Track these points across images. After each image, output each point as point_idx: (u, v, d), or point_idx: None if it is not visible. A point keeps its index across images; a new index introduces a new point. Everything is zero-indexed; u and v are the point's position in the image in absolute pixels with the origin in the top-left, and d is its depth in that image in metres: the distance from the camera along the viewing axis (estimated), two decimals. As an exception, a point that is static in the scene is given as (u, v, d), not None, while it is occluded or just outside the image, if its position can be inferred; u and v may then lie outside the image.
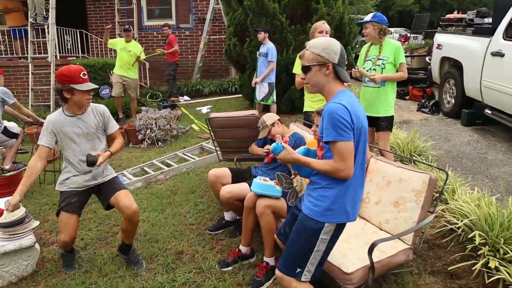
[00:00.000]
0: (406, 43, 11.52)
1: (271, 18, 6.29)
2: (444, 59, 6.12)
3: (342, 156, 1.70)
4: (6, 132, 4.46)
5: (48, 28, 7.47)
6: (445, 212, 2.94)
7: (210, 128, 3.85)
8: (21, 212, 2.76)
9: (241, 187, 2.95)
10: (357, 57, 3.72)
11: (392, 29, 23.85)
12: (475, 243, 2.39)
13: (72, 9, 10.05)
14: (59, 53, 8.65)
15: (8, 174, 4.28)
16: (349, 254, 2.22)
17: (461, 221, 2.61)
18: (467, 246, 2.50)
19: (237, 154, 3.77)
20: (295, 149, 2.93)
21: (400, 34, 14.12)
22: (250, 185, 2.93)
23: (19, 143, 4.66)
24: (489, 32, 4.91)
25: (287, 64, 6.50)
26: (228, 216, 3.27)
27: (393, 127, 3.73)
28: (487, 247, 2.34)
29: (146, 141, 5.63)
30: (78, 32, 9.17)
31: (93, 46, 9.74)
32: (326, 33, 3.42)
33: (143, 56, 6.81)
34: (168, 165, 4.78)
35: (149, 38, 9.89)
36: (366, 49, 3.42)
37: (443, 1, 29.43)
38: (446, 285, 2.40)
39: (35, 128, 5.40)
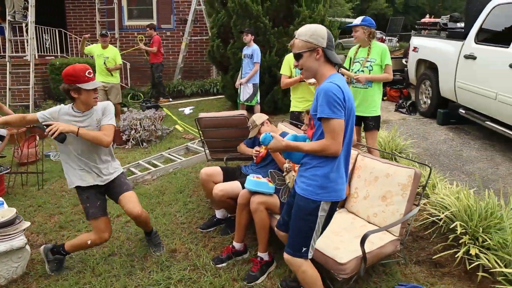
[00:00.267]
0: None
1: (254, 20, 6.39)
2: (420, 61, 6.39)
3: (334, 133, 1.80)
4: None
5: (26, 26, 7.29)
6: (426, 205, 3.11)
7: (199, 128, 3.90)
8: (11, 213, 2.73)
9: (233, 185, 3.02)
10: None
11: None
12: (456, 233, 2.55)
13: (50, 8, 9.83)
14: (38, 52, 8.45)
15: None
16: (341, 246, 2.33)
17: (443, 213, 2.77)
18: (448, 236, 2.66)
19: (225, 154, 3.84)
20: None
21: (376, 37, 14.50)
22: (241, 183, 3.01)
23: (4, 145, 4.55)
24: (462, 36, 5.17)
25: (270, 66, 6.62)
26: (219, 214, 3.33)
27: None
28: (467, 236, 2.51)
29: (131, 142, 5.61)
30: (57, 31, 8.98)
31: (72, 46, 9.56)
32: None
33: (119, 61, 6.64)
34: (155, 166, 4.78)
35: (129, 38, 9.79)
36: (354, 51, 3.55)
37: (415, 5, 30.37)
38: (431, 273, 2.55)
39: (15, 129, 5.29)
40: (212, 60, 7.64)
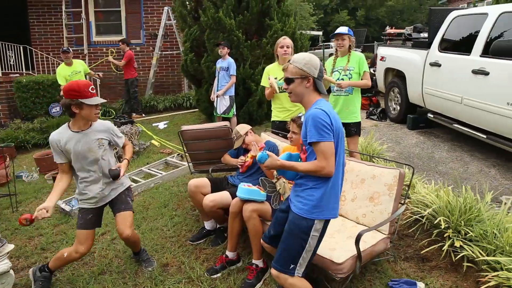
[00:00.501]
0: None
1: (228, 33, 6.49)
2: (387, 70, 6.70)
3: (325, 155, 1.89)
4: None
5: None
6: (408, 205, 3.25)
7: (182, 141, 3.90)
8: (-7, 236, 2.62)
9: (223, 196, 3.04)
10: None
11: (332, 43, 25.36)
12: (440, 228, 2.70)
13: (14, 24, 9.50)
14: (1, 69, 8.13)
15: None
16: (337, 247, 2.40)
17: (425, 210, 2.91)
18: (432, 232, 2.80)
19: (208, 166, 3.85)
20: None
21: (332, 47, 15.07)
22: (230, 193, 3.04)
23: None
24: (426, 45, 5.50)
25: (244, 78, 6.72)
26: (208, 225, 3.33)
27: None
28: (450, 230, 2.65)
29: (108, 159, 5.49)
30: (21, 48, 8.69)
31: (38, 63, 9.27)
32: (287, 47, 3.63)
33: (88, 70, 6.58)
34: (135, 181, 4.70)
35: (98, 54, 9.62)
36: (332, 61, 3.70)
37: (375, 18, 31.88)
38: (420, 268, 2.67)
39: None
40: (185, 74, 7.65)
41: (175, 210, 3.90)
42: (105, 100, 2.72)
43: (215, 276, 2.76)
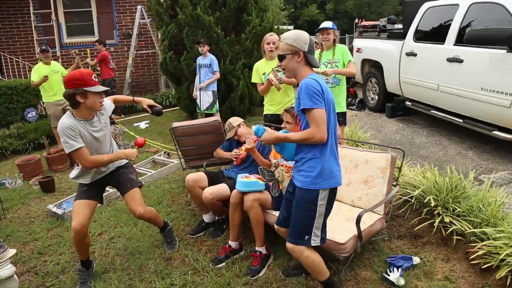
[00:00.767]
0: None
1: (207, 30, 6.51)
2: (364, 61, 6.92)
3: (317, 122, 1.98)
4: None
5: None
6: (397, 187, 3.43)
7: (173, 138, 3.93)
8: (-8, 241, 2.59)
9: (221, 188, 3.11)
10: None
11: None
12: (430, 206, 2.88)
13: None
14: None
15: None
16: (336, 229, 2.53)
17: (414, 191, 3.09)
18: (422, 211, 2.99)
19: (200, 161, 3.90)
20: (262, 149, 3.23)
21: (315, 42, 15.28)
22: (228, 185, 3.12)
23: None
24: (401, 36, 5.74)
25: (225, 74, 6.76)
26: (207, 218, 3.39)
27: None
28: (439, 207, 2.84)
29: (93, 161, 5.42)
30: (-12, 52, 8.38)
31: (7, 67, 8.94)
32: (274, 43, 3.72)
33: (65, 72, 6.41)
34: (125, 181, 4.68)
35: (70, 56, 9.36)
36: (318, 55, 3.82)
37: (344, 11, 32.46)
38: (413, 245, 2.84)
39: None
40: (164, 73, 7.61)
41: (170, 206, 3.94)
42: (108, 88, 2.73)
43: (220, 265, 2.83)
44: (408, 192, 3.19)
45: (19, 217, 4.01)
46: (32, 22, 8.53)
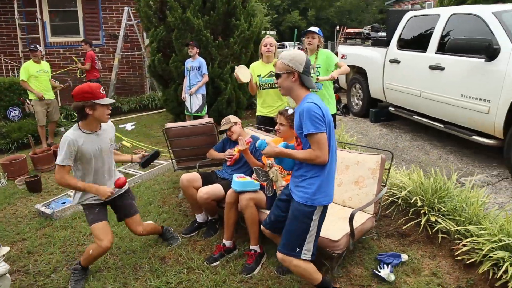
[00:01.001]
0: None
1: (196, 33, 6.57)
2: (349, 67, 7.10)
3: (320, 145, 2.08)
4: None
5: None
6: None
7: (166, 138, 3.96)
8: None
9: (216, 188, 3.17)
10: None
11: (287, 43, 25.97)
12: (416, 206, 3.02)
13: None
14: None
15: None
16: (330, 227, 2.62)
17: (401, 192, 3.23)
18: (408, 211, 3.12)
19: (192, 162, 3.95)
20: (255, 151, 3.31)
21: (298, 47, 15.54)
22: (222, 185, 3.19)
23: None
24: (385, 43, 5.94)
25: (212, 77, 6.82)
26: (200, 218, 3.43)
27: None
28: (425, 207, 2.98)
29: (80, 161, 5.37)
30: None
31: (-9, 66, 8.74)
32: (271, 45, 3.84)
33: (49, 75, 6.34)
34: (114, 182, 4.67)
35: (55, 56, 9.24)
36: None
37: (326, 18, 33.09)
38: (401, 243, 2.98)
39: None
40: (152, 75, 7.60)
41: (161, 207, 3.96)
42: (115, 101, 2.80)
43: (214, 264, 2.89)
44: (395, 193, 3.33)
45: (5, 217, 3.95)
46: (16, 20, 8.36)
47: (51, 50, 9.24)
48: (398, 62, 5.48)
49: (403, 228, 3.08)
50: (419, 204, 2.99)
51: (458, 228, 2.71)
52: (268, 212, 2.88)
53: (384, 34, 6.72)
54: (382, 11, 31.67)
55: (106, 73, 9.59)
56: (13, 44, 8.89)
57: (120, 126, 7.80)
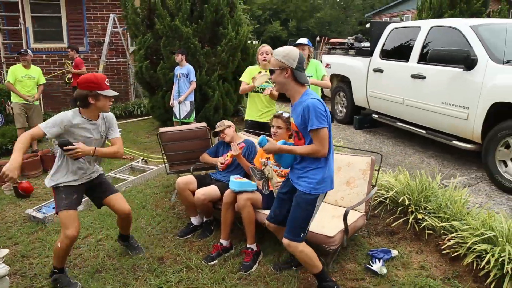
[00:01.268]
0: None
1: (184, 41, 6.66)
2: (333, 76, 7.34)
3: (322, 140, 2.20)
4: None
5: None
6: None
7: (160, 142, 4.02)
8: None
9: (212, 190, 3.26)
10: None
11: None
12: (404, 205, 3.19)
13: None
14: None
15: None
16: (325, 225, 2.76)
17: (389, 192, 3.40)
18: (396, 210, 3.30)
19: (185, 166, 4.02)
20: (248, 155, 3.42)
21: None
22: (218, 187, 3.28)
23: None
24: (368, 53, 6.20)
25: (200, 85, 6.92)
26: (195, 220, 3.50)
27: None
28: (412, 206, 3.16)
29: (68, 167, 5.33)
30: None
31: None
32: (267, 53, 3.96)
33: (43, 80, 6.35)
34: (105, 187, 4.67)
35: (37, 62, 9.10)
36: None
37: (306, 28, 33.77)
38: (390, 240, 3.13)
39: None
40: (139, 81, 7.63)
41: (155, 210, 4.00)
42: (118, 94, 2.82)
43: (212, 263, 2.96)
44: (383, 194, 3.50)
45: (-6, 222, 3.89)
46: (-2, 24, 8.26)
47: (33, 56, 9.10)
48: (382, 71, 5.73)
49: (392, 226, 3.24)
50: (407, 203, 3.16)
51: (444, 224, 2.89)
52: (264, 211, 3.00)
53: (367, 44, 6.99)
54: (361, 22, 32.66)
55: (91, 79, 9.52)
56: (-6, 50, 8.74)
57: (106, 132, 7.77)
